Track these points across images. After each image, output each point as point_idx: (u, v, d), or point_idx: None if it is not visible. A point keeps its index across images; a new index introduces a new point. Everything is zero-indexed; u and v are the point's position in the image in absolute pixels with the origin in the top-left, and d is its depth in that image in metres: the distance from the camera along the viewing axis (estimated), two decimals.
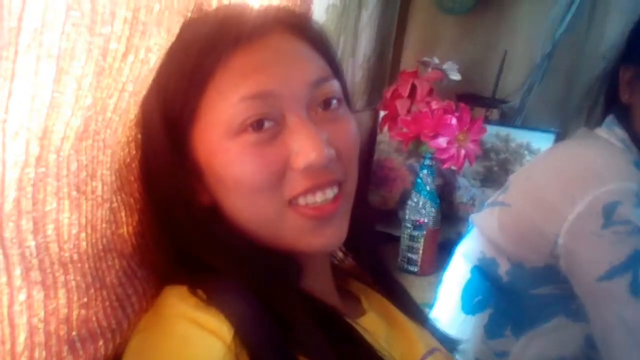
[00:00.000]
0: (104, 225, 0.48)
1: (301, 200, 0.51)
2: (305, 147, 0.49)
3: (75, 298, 0.45)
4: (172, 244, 0.54)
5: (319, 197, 0.51)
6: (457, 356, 0.65)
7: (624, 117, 0.89)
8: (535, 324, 0.88)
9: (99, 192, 0.46)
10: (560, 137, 1.32)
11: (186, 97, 0.50)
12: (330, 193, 0.51)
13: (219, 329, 0.45)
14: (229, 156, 0.49)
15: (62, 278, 0.44)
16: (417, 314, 0.64)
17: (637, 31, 0.88)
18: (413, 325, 0.61)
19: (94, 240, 0.46)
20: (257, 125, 0.49)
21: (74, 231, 0.44)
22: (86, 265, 0.46)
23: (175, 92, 0.50)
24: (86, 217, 0.45)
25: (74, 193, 0.44)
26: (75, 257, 0.45)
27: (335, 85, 0.53)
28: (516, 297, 0.89)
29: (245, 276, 0.50)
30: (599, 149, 0.87)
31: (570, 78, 1.35)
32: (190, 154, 0.52)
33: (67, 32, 0.39)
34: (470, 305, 0.94)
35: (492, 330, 0.91)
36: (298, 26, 0.54)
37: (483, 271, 0.92)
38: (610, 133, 0.89)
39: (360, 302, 0.62)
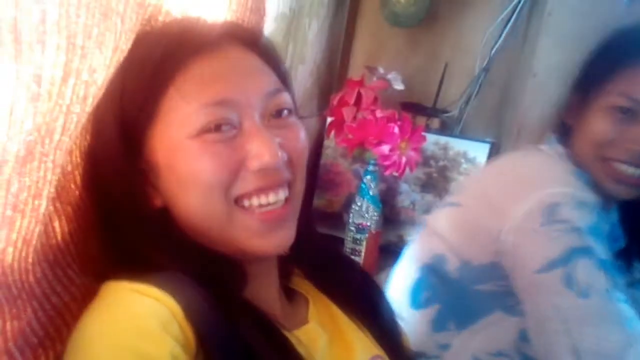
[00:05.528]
0: (34, 238, 0.47)
1: (254, 201, 0.53)
2: (260, 150, 0.52)
3: (6, 310, 0.44)
4: (116, 250, 0.54)
5: (271, 198, 0.54)
6: None
7: (565, 138, 0.98)
8: (475, 318, 0.95)
9: (42, 209, 0.46)
10: (494, 147, 1.40)
11: (145, 99, 0.52)
12: (282, 194, 0.55)
13: (162, 296, 0.47)
14: (190, 153, 0.52)
15: None
16: (367, 315, 0.66)
17: (588, 63, 0.97)
18: (356, 331, 0.63)
19: (24, 254, 0.46)
20: (216, 128, 0.52)
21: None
22: (10, 279, 0.45)
23: (133, 94, 0.52)
24: (18, 233, 0.45)
25: (8, 212, 0.43)
26: None
27: (287, 96, 0.57)
28: (462, 293, 0.95)
29: (190, 277, 0.51)
30: (542, 158, 0.97)
31: (504, 92, 1.42)
32: (144, 156, 0.53)
33: None
34: (417, 300, 0.99)
35: (437, 323, 0.97)
36: (251, 41, 0.58)
37: (432, 268, 0.98)
38: (551, 149, 0.98)
39: (307, 306, 0.64)
